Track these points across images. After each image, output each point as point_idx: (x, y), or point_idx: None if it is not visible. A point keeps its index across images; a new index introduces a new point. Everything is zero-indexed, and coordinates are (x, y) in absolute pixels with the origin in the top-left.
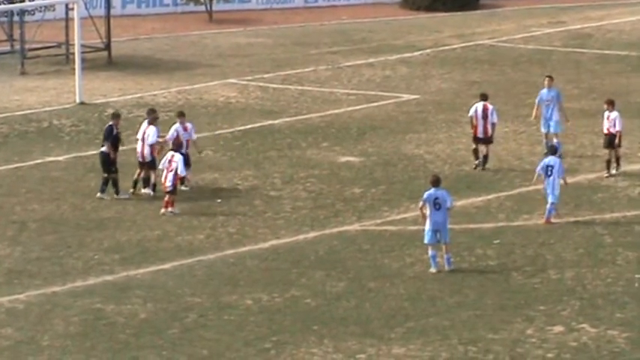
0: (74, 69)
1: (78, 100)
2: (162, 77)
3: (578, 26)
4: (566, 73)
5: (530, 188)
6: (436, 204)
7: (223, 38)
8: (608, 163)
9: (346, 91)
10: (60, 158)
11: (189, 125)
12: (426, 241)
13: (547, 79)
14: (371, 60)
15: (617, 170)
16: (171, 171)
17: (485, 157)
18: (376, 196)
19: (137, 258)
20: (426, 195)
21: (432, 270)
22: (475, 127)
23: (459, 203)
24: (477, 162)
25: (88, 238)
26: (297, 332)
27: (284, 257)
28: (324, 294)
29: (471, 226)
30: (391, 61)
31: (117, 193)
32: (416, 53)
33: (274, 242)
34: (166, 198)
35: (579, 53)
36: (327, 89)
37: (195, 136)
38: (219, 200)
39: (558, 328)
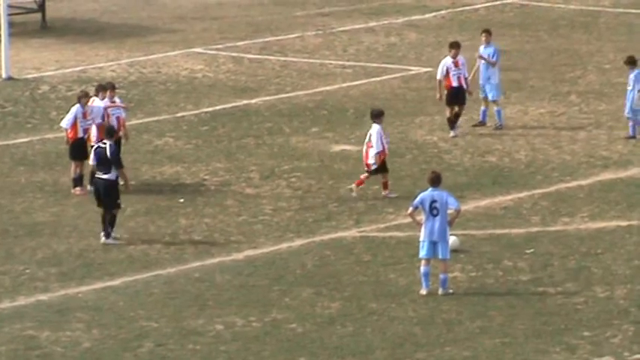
0: None
1: (4, 75)
2: (109, 46)
3: None
4: (616, 40)
5: (572, 184)
6: (433, 209)
7: None
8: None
9: (341, 62)
10: None
11: (117, 100)
12: (420, 254)
13: (484, 34)
14: (372, 24)
15: None
16: None
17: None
18: (379, 195)
19: (79, 272)
20: (418, 198)
21: (423, 292)
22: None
23: (483, 203)
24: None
25: (17, 248)
26: None
27: (263, 271)
28: (313, 317)
29: (498, 231)
30: (397, 25)
31: (108, 235)
32: (428, 15)
33: (250, 252)
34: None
35: (633, 15)
36: (317, 60)
37: (124, 115)
38: (181, 200)
39: None
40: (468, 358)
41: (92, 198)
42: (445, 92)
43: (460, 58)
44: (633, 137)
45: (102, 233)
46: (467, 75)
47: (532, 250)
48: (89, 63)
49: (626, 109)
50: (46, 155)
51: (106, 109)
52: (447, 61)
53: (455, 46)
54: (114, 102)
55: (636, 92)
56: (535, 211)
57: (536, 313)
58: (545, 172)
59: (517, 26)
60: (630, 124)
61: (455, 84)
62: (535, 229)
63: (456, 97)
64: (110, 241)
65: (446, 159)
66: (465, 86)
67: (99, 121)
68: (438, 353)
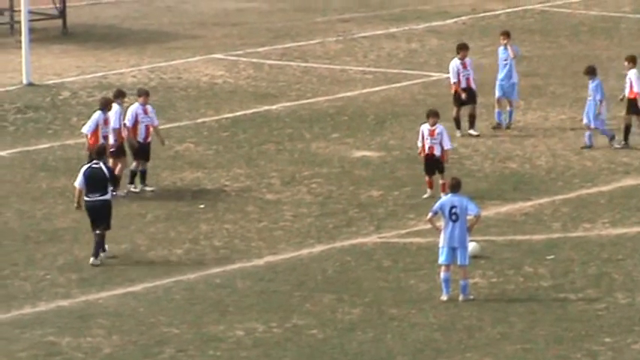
0: (20, 42)
1: (25, 81)
2: (130, 52)
3: None
4: (637, 45)
5: (593, 190)
6: (452, 214)
7: (207, 3)
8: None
9: (361, 68)
10: (3, 153)
11: (150, 108)
12: (440, 260)
13: (503, 35)
14: (392, 30)
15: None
16: None
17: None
18: (399, 201)
19: (99, 278)
20: (437, 204)
21: (444, 297)
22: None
23: (503, 209)
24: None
25: (38, 254)
26: None
27: (283, 277)
28: (334, 323)
29: (519, 237)
30: (418, 31)
31: (97, 255)
32: (449, 21)
33: (271, 258)
34: None
35: None
36: (338, 66)
37: (157, 122)
38: (202, 206)
39: None
40: None
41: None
42: (454, 93)
43: (468, 60)
44: (590, 147)
45: (91, 260)
46: (474, 76)
47: (553, 257)
48: (110, 69)
49: (585, 119)
50: (67, 161)
51: (136, 116)
52: (456, 62)
53: (463, 47)
54: (146, 110)
55: (597, 102)
56: (556, 218)
57: (557, 319)
58: (565, 178)
59: (538, 32)
60: (587, 133)
61: (464, 85)
62: (556, 235)
63: (467, 97)
64: (98, 261)
65: (467, 165)
66: (474, 87)
67: (115, 126)
68: (458, 359)
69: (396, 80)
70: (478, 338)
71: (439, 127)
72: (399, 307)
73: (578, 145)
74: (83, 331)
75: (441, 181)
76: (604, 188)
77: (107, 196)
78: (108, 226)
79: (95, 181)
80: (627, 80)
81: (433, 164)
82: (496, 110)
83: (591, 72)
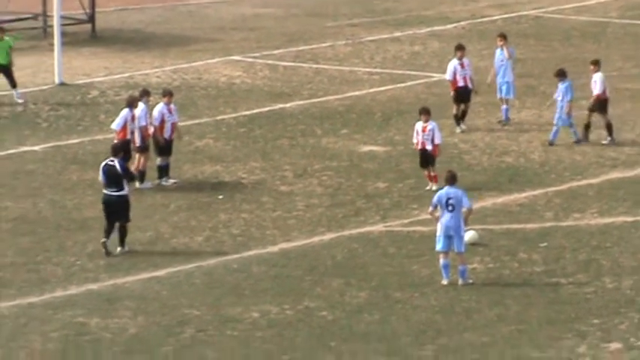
0: (52, 44)
1: (57, 81)
2: (154, 54)
3: None
4: (623, 49)
5: (582, 183)
6: (449, 205)
7: (226, 8)
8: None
9: (368, 69)
10: (36, 148)
11: (173, 107)
12: (437, 248)
13: (499, 37)
14: (397, 34)
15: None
16: None
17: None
18: (403, 192)
19: (126, 264)
20: (435, 197)
21: (444, 282)
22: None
23: (500, 200)
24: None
25: (69, 241)
26: (312, 350)
27: (296, 263)
28: (342, 305)
29: (514, 226)
30: (421, 35)
31: (123, 244)
32: (449, 26)
33: (285, 245)
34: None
35: (639, 25)
36: (347, 67)
37: (177, 119)
38: (220, 197)
39: (615, 345)
40: (486, 344)
41: (139, 195)
42: (453, 92)
43: (465, 60)
44: (552, 144)
45: (103, 239)
46: (472, 75)
47: (545, 244)
48: (136, 70)
49: (555, 118)
50: (95, 155)
51: (162, 115)
52: (454, 62)
53: (460, 48)
54: (170, 109)
55: (565, 102)
56: (548, 208)
57: (549, 302)
58: (557, 172)
59: (532, 36)
60: (554, 129)
61: (461, 84)
62: (548, 224)
63: (463, 95)
64: (126, 248)
65: (466, 159)
66: (470, 86)
67: (142, 123)
68: (458, 339)
69: (401, 80)
70: (476, 319)
71: (431, 124)
72: (402, 291)
73: (569, 141)
74: (111, 312)
75: (432, 173)
76: (593, 181)
77: (123, 192)
78: (127, 219)
79: (111, 177)
80: (592, 82)
81: (425, 158)
82: (503, 107)
83: (561, 74)
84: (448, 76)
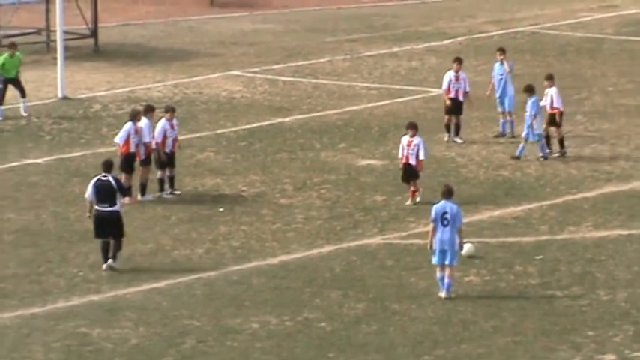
0: (56, 59)
1: (60, 95)
2: (156, 68)
3: (633, 11)
4: (619, 65)
5: (578, 196)
6: (444, 219)
7: (226, 24)
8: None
9: (367, 84)
10: (39, 161)
11: (175, 122)
12: (433, 261)
13: (499, 52)
14: (395, 49)
15: (560, 152)
16: None
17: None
18: (401, 205)
19: (127, 275)
20: (433, 211)
21: (441, 294)
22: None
23: (496, 213)
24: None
25: (71, 253)
26: None
27: (295, 275)
28: (340, 317)
29: (510, 239)
30: (418, 51)
31: (115, 258)
32: (446, 42)
33: (284, 257)
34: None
35: (634, 42)
36: (345, 82)
37: (177, 134)
38: (221, 209)
39: (609, 357)
40: (482, 355)
41: (140, 208)
42: (444, 103)
43: (462, 74)
44: (518, 158)
45: (108, 262)
46: (467, 89)
47: (541, 257)
48: (137, 84)
49: (524, 133)
50: (97, 168)
51: (164, 132)
52: (450, 74)
53: (457, 61)
54: (172, 125)
55: (532, 117)
56: (544, 221)
57: (544, 314)
58: (553, 185)
59: (528, 52)
60: (521, 145)
61: (452, 95)
62: (544, 238)
63: (452, 107)
64: (117, 263)
65: (462, 173)
66: (460, 99)
67: (146, 140)
68: (454, 350)
69: (399, 95)
70: (472, 331)
71: (417, 139)
72: (400, 302)
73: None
74: (112, 323)
75: (411, 189)
76: (588, 194)
77: (116, 207)
78: (122, 234)
79: (104, 193)
80: (548, 97)
81: (408, 172)
82: (501, 121)
83: (530, 90)
84: (444, 86)
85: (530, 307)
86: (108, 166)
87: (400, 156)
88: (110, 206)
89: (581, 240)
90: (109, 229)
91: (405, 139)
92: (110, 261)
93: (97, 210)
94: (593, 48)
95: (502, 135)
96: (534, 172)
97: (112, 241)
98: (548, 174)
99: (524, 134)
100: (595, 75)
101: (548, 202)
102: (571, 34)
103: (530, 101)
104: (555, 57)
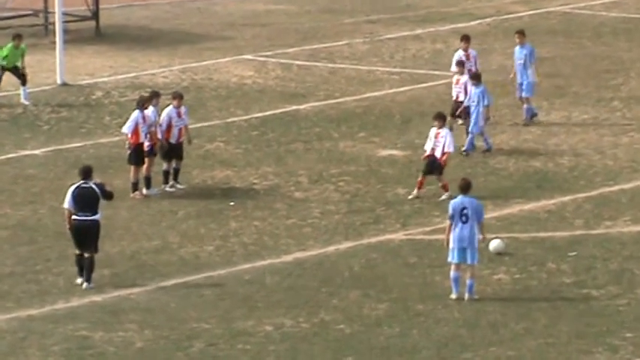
0: (54, 42)
1: (59, 81)
2: (162, 52)
3: None
4: None
5: (614, 188)
6: (463, 215)
7: (236, 4)
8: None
9: (388, 69)
10: (37, 152)
11: (183, 110)
12: (449, 258)
13: (517, 34)
14: (418, 31)
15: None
16: None
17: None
18: (425, 198)
19: (131, 274)
20: (450, 207)
21: (453, 296)
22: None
23: (527, 207)
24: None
25: (70, 250)
26: None
27: (311, 273)
28: (360, 318)
29: (542, 234)
30: (443, 33)
31: (89, 280)
32: (473, 23)
33: (299, 255)
34: None
35: None
36: (365, 67)
37: (188, 121)
38: (232, 203)
39: None
40: (513, 359)
41: (145, 202)
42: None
43: (471, 51)
44: (467, 152)
45: (79, 280)
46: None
47: (575, 253)
48: (142, 69)
49: (471, 125)
50: (99, 159)
51: (170, 119)
52: (460, 53)
53: (464, 39)
54: (179, 112)
55: (481, 108)
56: (578, 215)
57: (579, 315)
58: (588, 177)
59: (561, 33)
60: (469, 137)
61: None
62: (578, 233)
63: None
64: (92, 285)
65: (491, 164)
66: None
67: (151, 128)
68: (483, 354)
69: (422, 80)
70: (502, 333)
71: (444, 130)
72: (424, 303)
73: (601, 144)
74: (115, 325)
75: (440, 183)
76: (626, 186)
77: (97, 217)
78: (96, 249)
79: (85, 201)
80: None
81: (431, 165)
82: (524, 106)
83: (476, 78)
84: (453, 67)
85: (564, 308)
86: (87, 173)
87: (427, 149)
88: (91, 215)
89: (618, 235)
90: (88, 240)
91: (433, 131)
92: (85, 285)
93: (76, 219)
94: (631, 29)
95: (530, 119)
96: (568, 163)
97: (85, 258)
98: (583, 164)
99: (470, 127)
100: (632, 58)
101: (583, 195)
102: (606, 13)
103: (477, 91)
104: (590, 38)
